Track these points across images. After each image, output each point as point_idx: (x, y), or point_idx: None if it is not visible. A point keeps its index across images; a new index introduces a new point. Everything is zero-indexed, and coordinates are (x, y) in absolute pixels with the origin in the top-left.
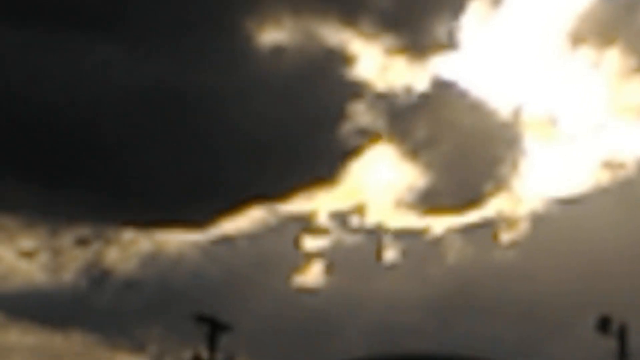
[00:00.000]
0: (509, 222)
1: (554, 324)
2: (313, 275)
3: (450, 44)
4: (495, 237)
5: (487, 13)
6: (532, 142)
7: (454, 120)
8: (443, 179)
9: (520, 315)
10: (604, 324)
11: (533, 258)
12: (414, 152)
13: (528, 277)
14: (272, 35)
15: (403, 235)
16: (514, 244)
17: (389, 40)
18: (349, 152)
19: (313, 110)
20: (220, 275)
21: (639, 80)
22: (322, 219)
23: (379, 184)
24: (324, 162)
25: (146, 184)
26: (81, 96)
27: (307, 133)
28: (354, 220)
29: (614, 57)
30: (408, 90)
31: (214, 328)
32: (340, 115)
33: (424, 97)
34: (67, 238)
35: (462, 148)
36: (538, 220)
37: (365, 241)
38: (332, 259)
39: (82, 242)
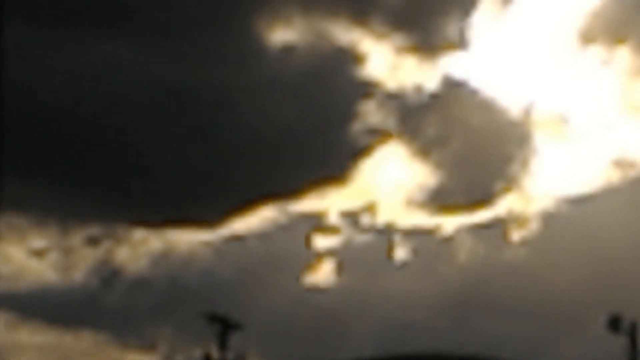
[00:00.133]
0: (520, 220)
1: (564, 322)
2: (323, 274)
3: (460, 43)
4: (505, 235)
5: (497, 12)
6: (542, 141)
7: (465, 119)
8: (453, 178)
9: (531, 313)
10: (614, 323)
11: (544, 257)
12: (424, 151)
13: (539, 276)
14: (283, 34)
15: (414, 234)
16: (524, 243)
17: (399, 39)
18: (359, 151)
19: (323, 109)
20: (231, 274)
21: None
22: (333, 218)
23: (389, 183)
24: (334, 161)
25: (157, 183)
26: (92, 95)
27: (318, 132)
28: (365, 219)
29: (624, 55)
30: (418, 89)
31: (224, 327)
32: (350, 114)
33: (435, 96)
34: (77, 237)
35: (473, 147)
36: (548, 218)
37: (375, 240)
38: (343, 258)
39: (92, 241)
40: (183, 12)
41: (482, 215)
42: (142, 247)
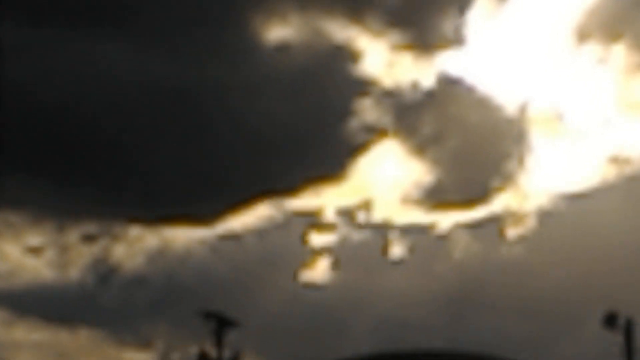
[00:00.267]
0: (516, 217)
1: (560, 319)
2: (320, 270)
3: (456, 40)
4: (501, 232)
5: (493, 9)
6: (538, 138)
7: (461, 117)
8: (450, 175)
9: (527, 310)
10: (610, 319)
11: (539, 253)
12: (420, 148)
13: (534, 273)
14: (279, 31)
15: (410, 231)
16: (520, 240)
17: (395, 36)
18: (355, 149)
19: (320, 106)
20: (227, 271)
21: None
22: (329, 215)
23: (385, 180)
24: (330, 159)
25: (153, 181)
26: (88, 93)
27: (314, 129)
28: (361, 216)
29: (620, 53)
30: (414, 86)
31: (220, 324)
32: (346, 111)
33: (431, 94)
34: (73, 234)
35: (469, 144)
36: (544, 215)
37: (372, 237)
38: (339, 254)
39: (88, 238)
40: (180, 12)
41: (478, 213)
42: (138, 245)
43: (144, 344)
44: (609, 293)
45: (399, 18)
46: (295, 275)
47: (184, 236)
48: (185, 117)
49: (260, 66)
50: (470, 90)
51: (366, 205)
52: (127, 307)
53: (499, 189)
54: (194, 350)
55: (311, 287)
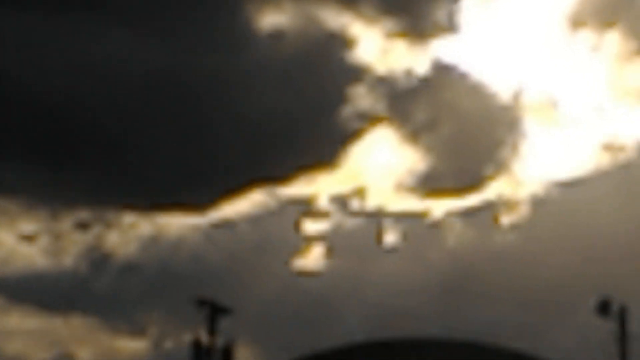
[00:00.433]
0: (509, 205)
1: (554, 306)
2: (313, 258)
3: (450, 27)
4: (495, 220)
5: None
6: (532, 125)
7: (454, 104)
8: (443, 162)
9: (520, 297)
10: (604, 307)
11: (533, 241)
12: (414, 135)
13: (528, 260)
14: (272, 18)
15: (403, 218)
16: (514, 227)
17: (389, 23)
18: (349, 136)
19: (313, 93)
20: (221, 258)
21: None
22: (323, 203)
23: (379, 167)
24: (324, 146)
25: (147, 167)
26: (81, 81)
27: (308, 116)
28: (354, 204)
29: (614, 40)
30: (408, 73)
31: (214, 311)
32: (340, 98)
33: (425, 80)
34: (67, 221)
35: (463, 131)
36: (538, 203)
37: (365, 224)
38: (333, 242)
39: (82, 225)
40: None
41: (471, 200)
42: (131, 232)
43: (138, 331)
44: (602, 280)
45: (392, 5)
46: (288, 263)
47: (177, 223)
48: (179, 104)
49: (254, 53)
50: (464, 77)
51: (360, 193)
52: (121, 295)
53: (493, 177)
54: (187, 337)
55: (305, 274)
